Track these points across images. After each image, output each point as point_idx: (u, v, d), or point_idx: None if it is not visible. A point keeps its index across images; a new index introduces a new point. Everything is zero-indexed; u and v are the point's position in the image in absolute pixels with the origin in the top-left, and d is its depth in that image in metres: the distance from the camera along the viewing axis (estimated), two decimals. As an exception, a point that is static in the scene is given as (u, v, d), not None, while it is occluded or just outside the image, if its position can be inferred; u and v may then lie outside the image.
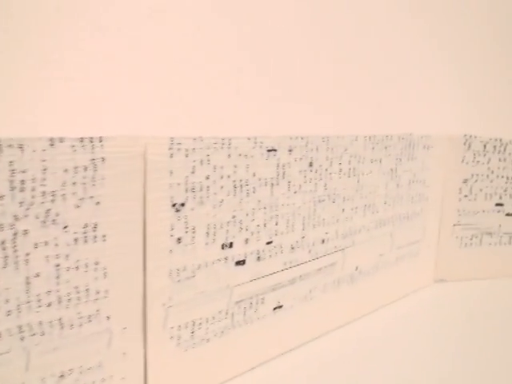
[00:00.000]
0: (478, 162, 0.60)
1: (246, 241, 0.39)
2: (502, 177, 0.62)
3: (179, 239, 0.35)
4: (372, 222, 0.51)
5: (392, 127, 0.52)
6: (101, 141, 0.30)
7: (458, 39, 0.59)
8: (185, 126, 0.39)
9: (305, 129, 0.43)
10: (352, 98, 0.49)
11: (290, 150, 0.41)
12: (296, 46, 0.44)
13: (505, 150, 0.61)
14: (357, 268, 0.50)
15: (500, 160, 0.61)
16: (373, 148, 0.48)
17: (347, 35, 0.48)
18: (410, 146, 0.53)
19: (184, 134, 0.34)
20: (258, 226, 0.40)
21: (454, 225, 0.61)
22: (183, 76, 0.37)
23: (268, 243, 0.41)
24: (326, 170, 0.44)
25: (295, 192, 0.42)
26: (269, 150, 0.39)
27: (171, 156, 0.33)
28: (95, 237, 0.31)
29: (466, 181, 0.60)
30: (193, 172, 0.34)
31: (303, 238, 0.43)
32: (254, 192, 0.39)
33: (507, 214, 0.63)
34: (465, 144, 0.59)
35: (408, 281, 0.58)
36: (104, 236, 0.31)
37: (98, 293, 0.31)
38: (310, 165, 0.43)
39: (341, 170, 0.46)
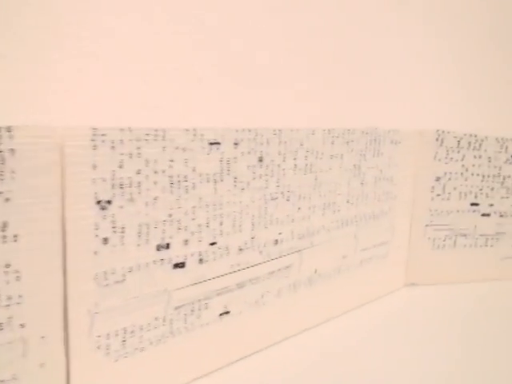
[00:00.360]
0: (452, 158, 0.59)
1: (186, 242, 0.37)
2: (478, 175, 0.60)
3: (105, 240, 0.33)
4: (333, 222, 0.49)
5: (357, 120, 0.50)
6: (9, 131, 0.28)
7: (430, 28, 0.58)
8: (121, 116, 0.37)
9: (255, 121, 0.41)
10: (310, 89, 0.47)
11: (236, 144, 0.39)
12: (248, 28, 0.42)
13: (480, 146, 0.60)
14: (316, 271, 0.48)
15: (475, 157, 0.60)
16: (332, 143, 0.47)
17: (305, 19, 0.46)
18: (375, 141, 0.51)
19: (114, 125, 0.33)
20: (200, 225, 0.38)
21: (426, 225, 0.60)
22: (117, 63, 0.36)
23: (212, 244, 0.39)
24: (279, 165, 0.42)
25: (243, 189, 0.40)
26: (211, 143, 0.37)
27: (94, 148, 0.31)
28: (5, 237, 0.29)
29: (438, 179, 0.59)
30: (120, 166, 0.33)
31: (253, 238, 0.42)
32: (194, 188, 0.37)
33: (483, 215, 0.62)
34: (437, 140, 0.58)
35: (376, 284, 0.57)
36: (15, 236, 0.29)
37: (9, 298, 0.30)
38: (260, 160, 0.41)
39: (296, 166, 0.44)
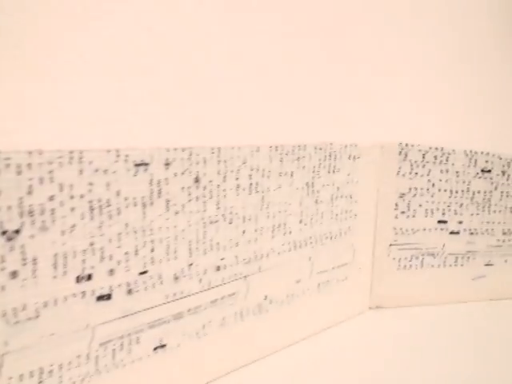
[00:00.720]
0: (417, 173, 0.58)
1: (111, 271, 0.36)
2: (445, 190, 0.60)
3: (14, 273, 0.31)
4: (284, 245, 0.48)
5: (309, 135, 0.49)
6: None
7: (386, 29, 0.57)
8: (34, 137, 0.35)
9: (190, 139, 0.40)
10: (254, 101, 0.46)
11: (167, 164, 0.38)
12: (181, 34, 0.41)
13: (447, 160, 0.59)
14: (266, 297, 0.47)
15: (442, 171, 0.59)
16: (281, 160, 0.46)
17: (247, 27, 0.45)
18: (330, 156, 0.50)
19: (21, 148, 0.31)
20: (127, 253, 0.37)
21: (391, 245, 0.59)
22: (21, 70, 0.34)
23: (142, 273, 0.38)
24: (219, 186, 0.41)
25: (177, 213, 0.39)
26: (137, 165, 0.36)
27: (-4, 174, 0.30)
28: None
29: (402, 195, 0.58)
30: (29, 192, 0.31)
31: (191, 265, 0.41)
32: (118, 214, 0.36)
33: (452, 232, 0.61)
34: (400, 154, 0.57)
35: (337, 309, 0.56)
36: None
37: None
38: (196, 180, 0.40)
39: (238, 186, 0.43)
